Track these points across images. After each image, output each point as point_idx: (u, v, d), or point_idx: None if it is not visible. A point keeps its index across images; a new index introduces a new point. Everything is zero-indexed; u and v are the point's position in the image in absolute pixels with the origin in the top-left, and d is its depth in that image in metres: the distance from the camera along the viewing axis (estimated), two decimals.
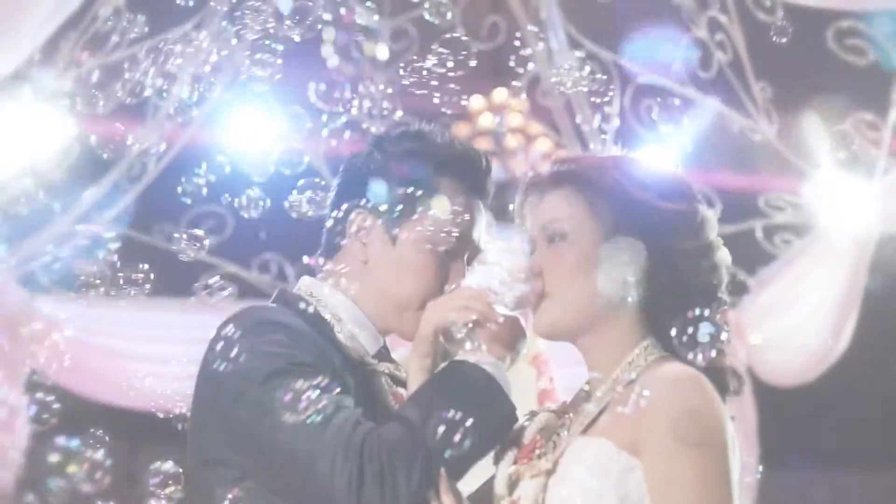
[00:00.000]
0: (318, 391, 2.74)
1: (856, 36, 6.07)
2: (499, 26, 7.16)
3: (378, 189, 3.06)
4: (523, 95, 7.34)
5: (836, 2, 4.73)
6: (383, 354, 3.09)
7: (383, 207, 3.05)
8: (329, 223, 3.13)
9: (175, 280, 3.60)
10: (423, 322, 2.85)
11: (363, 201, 3.07)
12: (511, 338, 2.85)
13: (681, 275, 2.77)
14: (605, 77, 4.92)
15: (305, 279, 3.12)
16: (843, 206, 6.82)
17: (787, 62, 5.67)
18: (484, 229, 3.12)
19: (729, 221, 6.22)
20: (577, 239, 2.79)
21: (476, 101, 7.63)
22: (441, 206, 3.04)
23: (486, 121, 7.66)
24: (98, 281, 3.25)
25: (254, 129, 6.93)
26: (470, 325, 2.79)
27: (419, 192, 3.03)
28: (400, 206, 3.04)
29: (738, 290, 7.07)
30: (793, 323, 7.25)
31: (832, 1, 4.64)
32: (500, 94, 7.63)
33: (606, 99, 6.48)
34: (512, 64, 5.53)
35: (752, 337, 7.30)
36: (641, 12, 5.99)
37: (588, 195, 2.81)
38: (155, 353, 6.80)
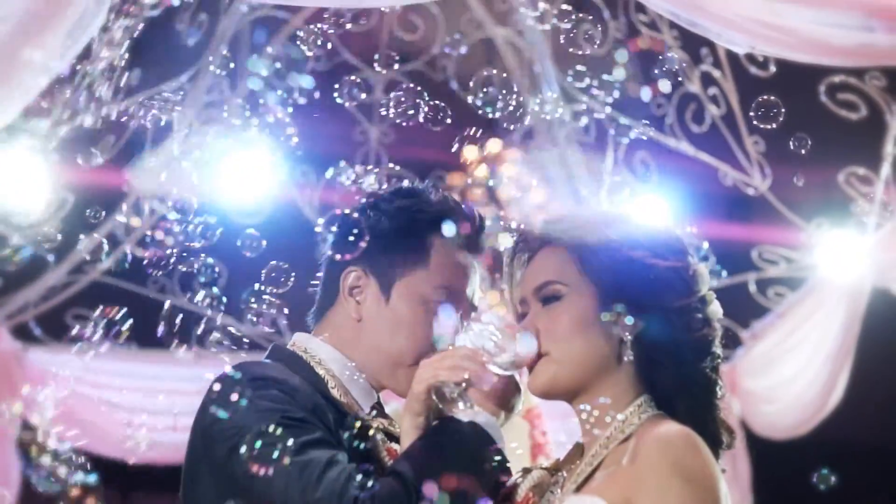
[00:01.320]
0: (312, 446, 2.74)
1: (848, 90, 6.12)
2: (492, 79, 7.19)
3: (372, 247, 3.06)
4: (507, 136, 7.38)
5: (828, 58, 4.78)
6: (377, 410, 3.09)
7: (377, 265, 3.06)
8: (323, 280, 3.14)
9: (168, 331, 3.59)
10: (416, 380, 2.84)
11: (357, 259, 3.07)
12: (505, 395, 2.84)
13: (675, 331, 2.77)
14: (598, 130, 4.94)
15: (300, 335, 3.12)
16: (836, 259, 6.83)
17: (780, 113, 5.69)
18: (478, 285, 3.12)
19: (722, 274, 6.23)
20: (572, 299, 2.78)
21: (470, 152, 7.65)
22: (434, 264, 3.05)
23: (480, 171, 7.66)
24: (91, 332, 3.25)
25: (248, 180, 6.95)
26: (462, 384, 2.78)
27: (412, 250, 3.04)
28: (393, 264, 3.04)
29: (732, 342, 7.07)
30: (786, 376, 7.25)
31: (823, 57, 4.68)
32: (494, 144, 7.64)
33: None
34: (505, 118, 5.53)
35: (746, 389, 7.30)
36: (635, 66, 6.02)
37: (580, 254, 2.80)
38: (147, 405, 6.78)
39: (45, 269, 6.78)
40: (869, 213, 6.58)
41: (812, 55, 4.69)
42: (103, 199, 6.54)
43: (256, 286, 3.17)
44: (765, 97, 3.89)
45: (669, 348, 2.76)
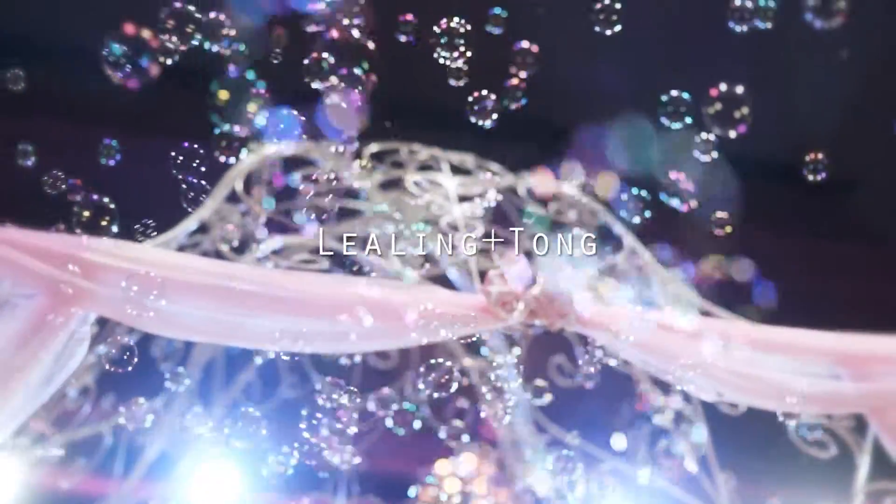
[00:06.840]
0: None
1: (818, 430, 6.17)
2: (465, 409, 7.28)
3: None
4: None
5: (796, 406, 4.88)
6: None
7: None
8: None
9: None
10: None
11: None
12: None
13: None
14: (570, 460, 4.97)
15: None
16: None
17: (751, 453, 5.76)
18: None
19: None
20: None
21: (442, 467, 7.67)
22: None
23: (453, 486, 7.67)
24: None
25: (224, 485, 6.94)
26: None
27: None
28: None
29: None
30: None
31: (791, 405, 4.79)
32: (468, 460, 7.67)
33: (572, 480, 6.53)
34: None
35: None
36: (606, 397, 6.10)
37: None
38: None
39: None
40: None
41: (779, 403, 4.77)
42: None
43: None
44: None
45: None
